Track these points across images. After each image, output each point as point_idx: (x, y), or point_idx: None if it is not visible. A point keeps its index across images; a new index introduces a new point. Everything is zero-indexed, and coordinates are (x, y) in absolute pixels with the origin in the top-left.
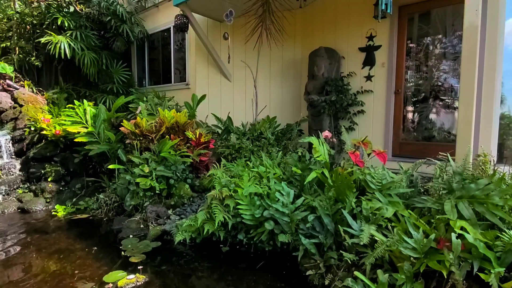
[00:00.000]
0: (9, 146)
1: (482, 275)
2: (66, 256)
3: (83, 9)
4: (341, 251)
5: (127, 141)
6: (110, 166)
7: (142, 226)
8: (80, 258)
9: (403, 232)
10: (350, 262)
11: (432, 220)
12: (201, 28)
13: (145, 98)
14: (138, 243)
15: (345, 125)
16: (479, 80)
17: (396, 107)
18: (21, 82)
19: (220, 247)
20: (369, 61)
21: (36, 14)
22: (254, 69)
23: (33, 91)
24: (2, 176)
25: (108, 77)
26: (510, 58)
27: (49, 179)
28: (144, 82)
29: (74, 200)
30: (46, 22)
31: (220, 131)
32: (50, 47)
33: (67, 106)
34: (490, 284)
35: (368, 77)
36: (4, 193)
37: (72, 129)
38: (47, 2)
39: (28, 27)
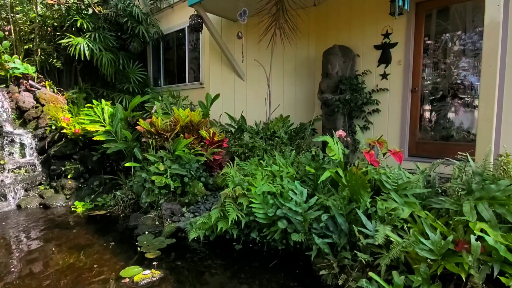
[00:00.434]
0: (32, 144)
1: (502, 279)
2: (84, 251)
3: (101, 11)
4: (355, 251)
5: (143, 140)
6: (127, 164)
7: (157, 223)
8: (98, 253)
9: (419, 233)
10: (364, 263)
11: (450, 222)
12: (215, 28)
13: (160, 98)
14: (153, 240)
15: (359, 124)
16: (501, 77)
17: (413, 106)
18: (43, 83)
19: (233, 245)
20: (384, 59)
21: (56, 16)
22: (267, 68)
23: (54, 91)
24: (25, 173)
25: (124, 77)
26: None
27: (68, 176)
28: (159, 82)
29: (92, 196)
30: (66, 24)
31: (233, 130)
32: (70, 49)
33: (86, 105)
34: None
35: (384, 75)
36: (27, 189)
37: (91, 127)
38: (67, 4)
39: (49, 29)
